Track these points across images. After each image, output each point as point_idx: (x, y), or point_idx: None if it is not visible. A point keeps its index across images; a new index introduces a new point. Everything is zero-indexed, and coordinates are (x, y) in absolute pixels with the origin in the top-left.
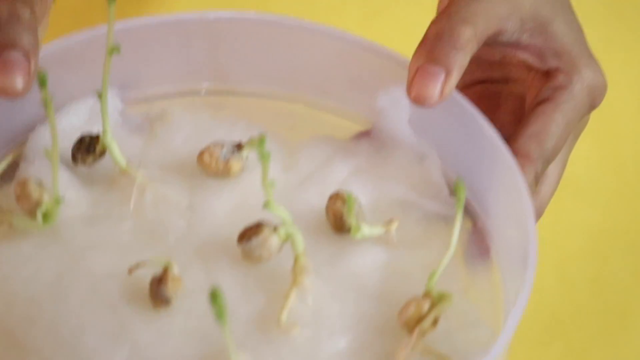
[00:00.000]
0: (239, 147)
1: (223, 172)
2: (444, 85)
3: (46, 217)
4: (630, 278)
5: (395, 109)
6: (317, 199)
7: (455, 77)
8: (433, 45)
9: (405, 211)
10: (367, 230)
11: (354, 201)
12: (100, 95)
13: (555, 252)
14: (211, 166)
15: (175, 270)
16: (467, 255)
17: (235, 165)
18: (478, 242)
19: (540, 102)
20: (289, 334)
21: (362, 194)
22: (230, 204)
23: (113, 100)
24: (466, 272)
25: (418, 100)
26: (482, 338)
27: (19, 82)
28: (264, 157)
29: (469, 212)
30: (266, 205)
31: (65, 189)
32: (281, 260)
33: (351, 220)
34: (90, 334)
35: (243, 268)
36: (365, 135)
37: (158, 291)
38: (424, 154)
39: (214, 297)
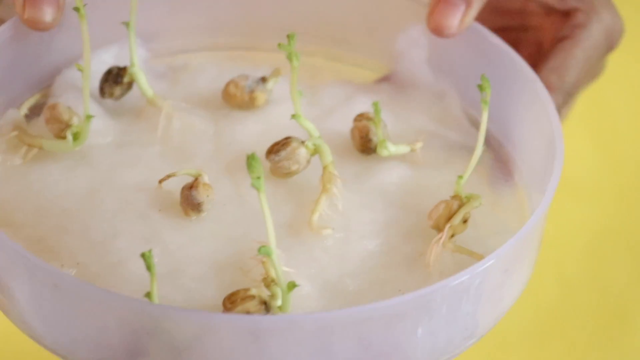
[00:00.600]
0: (263, 79)
1: (248, 103)
2: (464, 15)
3: (76, 137)
4: (630, 278)
5: (414, 49)
6: (341, 126)
7: (476, 8)
8: None
9: (428, 139)
10: (392, 147)
11: (380, 111)
12: (127, 25)
13: (555, 252)
14: (236, 97)
15: (205, 178)
16: (491, 178)
17: (260, 96)
18: (501, 168)
19: (560, 39)
20: (320, 234)
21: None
22: (256, 131)
23: (138, 50)
24: (492, 193)
25: (437, 30)
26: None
27: (47, 13)
28: (292, 56)
29: (491, 143)
30: (294, 116)
31: (93, 119)
32: (308, 176)
33: (378, 134)
34: (122, 239)
35: (272, 182)
36: (384, 80)
37: (189, 196)
38: (443, 91)
39: (251, 160)
